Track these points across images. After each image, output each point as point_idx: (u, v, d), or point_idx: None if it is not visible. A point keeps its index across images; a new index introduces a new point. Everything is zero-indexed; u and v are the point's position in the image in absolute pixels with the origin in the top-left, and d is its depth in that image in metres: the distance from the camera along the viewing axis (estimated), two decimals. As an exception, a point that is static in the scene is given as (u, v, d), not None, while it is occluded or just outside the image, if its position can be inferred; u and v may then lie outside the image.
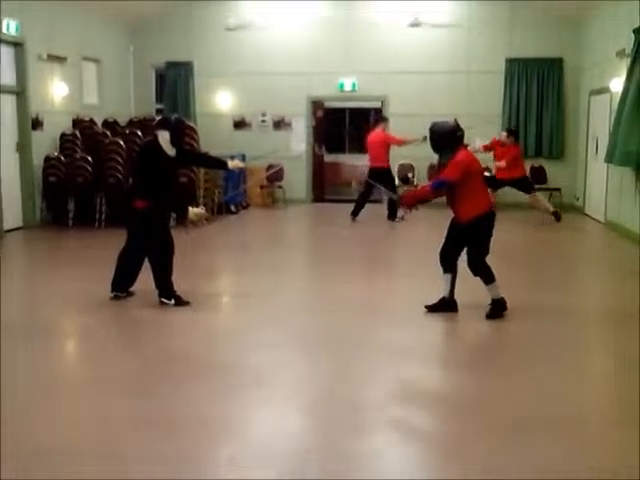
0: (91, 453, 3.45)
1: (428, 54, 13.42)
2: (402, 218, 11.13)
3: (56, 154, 11.10)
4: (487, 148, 11.44)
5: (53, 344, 5.25)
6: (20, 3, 10.22)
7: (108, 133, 11.59)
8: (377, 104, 14.30)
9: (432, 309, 5.96)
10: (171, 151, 6.05)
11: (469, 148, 6.47)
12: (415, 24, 13.39)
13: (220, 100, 14.03)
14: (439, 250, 5.94)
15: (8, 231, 10.06)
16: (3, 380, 4.34)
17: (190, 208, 6.21)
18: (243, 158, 12.97)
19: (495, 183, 11.69)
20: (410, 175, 13.40)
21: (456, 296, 5.96)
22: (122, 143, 11.05)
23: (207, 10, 13.80)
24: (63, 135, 11.43)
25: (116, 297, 6.26)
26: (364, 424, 3.85)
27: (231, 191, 12.46)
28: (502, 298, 5.80)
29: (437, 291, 6.01)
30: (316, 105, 14.35)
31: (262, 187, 13.52)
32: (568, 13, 12.66)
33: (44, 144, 11.06)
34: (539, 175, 13.04)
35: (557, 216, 11.22)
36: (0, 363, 4.62)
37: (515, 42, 13.25)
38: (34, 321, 5.79)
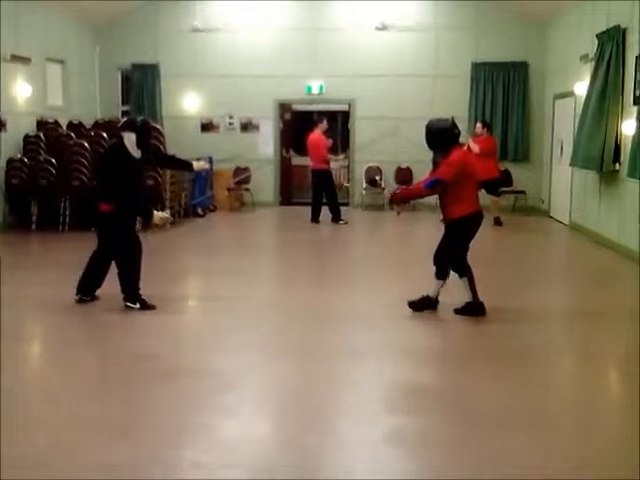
0: (53, 459, 3.37)
1: (395, 57, 13.49)
2: (398, 214, 11.17)
3: (19, 156, 10.91)
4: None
5: (16, 348, 5.13)
6: (-18, 2, 10.05)
7: (73, 135, 11.42)
8: (345, 107, 14.33)
9: (416, 307, 5.92)
10: (137, 153, 5.99)
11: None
12: (382, 27, 13.46)
13: (187, 102, 13.94)
14: (433, 253, 5.90)
15: (-31, 234, 9.86)
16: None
17: (155, 212, 6.16)
18: (210, 161, 12.96)
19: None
20: (377, 178, 13.36)
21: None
22: (87, 145, 10.89)
23: (173, 11, 13.70)
24: (27, 137, 11.24)
25: (81, 300, 6.16)
26: (335, 428, 3.85)
27: (198, 194, 12.38)
28: (436, 299, 5.90)
29: (398, 291, 6.01)
30: (284, 108, 14.34)
31: (230, 190, 13.45)
32: (533, 17, 12.85)
33: (7, 146, 10.87)
34: (505, 178, 13.15)
35: (498, 222, 11.25)
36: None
37: (481, 46, 13.39)
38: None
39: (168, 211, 6.44)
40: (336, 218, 11.63)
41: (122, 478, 3.19)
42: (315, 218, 11.70)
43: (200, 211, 12.48)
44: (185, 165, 6.83)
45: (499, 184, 11.64)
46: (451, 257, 5.83)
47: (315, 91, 13.82)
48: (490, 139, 11.47)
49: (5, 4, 10.56)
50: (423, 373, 4.74)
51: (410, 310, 5.95)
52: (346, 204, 13.38)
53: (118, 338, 5.50)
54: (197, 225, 11.72)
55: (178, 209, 11.60)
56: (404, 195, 6.27)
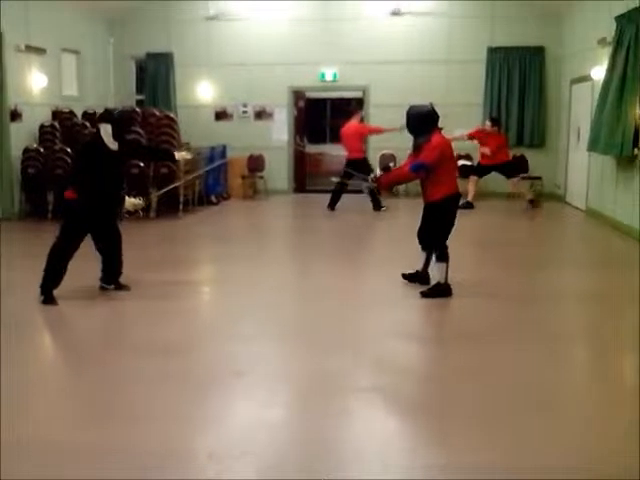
0: (68, 449, 3.40)
1: (409, 43, 13.39)
2: (385, 208, 11.22)
3: (35, 146, 10.99)
4: (471, 136, 11.55)
5: (26, 336, 5.19)
6: (-4, -7, 10.10)
7: (88, 124, 11.47)
8: (358, 94, 14.26)
9: (408, 278, 6.36)
10: (113, 145, 5.91)
11: (449, 135, 6.61)
12: (396, 13, 13.35)
13: (201, 91, 13.95)
14: (417, 231, 6.21)
15: (-14, 223, 9.97)
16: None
17: (127, 198, 6.12)
18: (224, 149, 12.99)
19: (480, 170, 11.79)
20: (392, 164, 13.24)
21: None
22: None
23: (188, 0, 13.68)
24: (42, 127, 11.32)
25: (45, 302, 5.89)
26: (350, 415, 3.84)
27: (212, 182, 12.41)
28: (447, 284, 6.00)
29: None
30: (297, 95, 14.30)
31: (243, 177, 13.47)
32: (550, 1, 12.67)
33: (23, 136, 10.95)
34: (521, 164, 13.04)
35: (533, 203, 11.32)
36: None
37: (497, 31, 13.24)
38: (5, 313, 5.72)
39: (140, 198, 6.37)
40: (377, 206, 11.53)
41: (135, 471, 3.21)
42: (332, 205, 11.63)
43: (214, 199, 12.51)
44: (166, 155, 6.81)
45: (512, 166, 11.71)
46: (442, 238, 6.02)
47: (329, 78, 13.76)
48: (499, 137, 11.54)
49: (19, -5, 10.64)
50: (447, 361, 4.72)
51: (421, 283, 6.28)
52: (360, 191, 13.32)
53: (130, 326, 5.53)
54: (211, 213, 11.75)
55: (192, 197, 11.63)
56: (390, 179, 6.53)
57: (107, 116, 6.03)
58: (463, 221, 10.96)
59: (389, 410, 3.87)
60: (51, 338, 5.54)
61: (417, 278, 6.33)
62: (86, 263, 6.22)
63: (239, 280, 6.89)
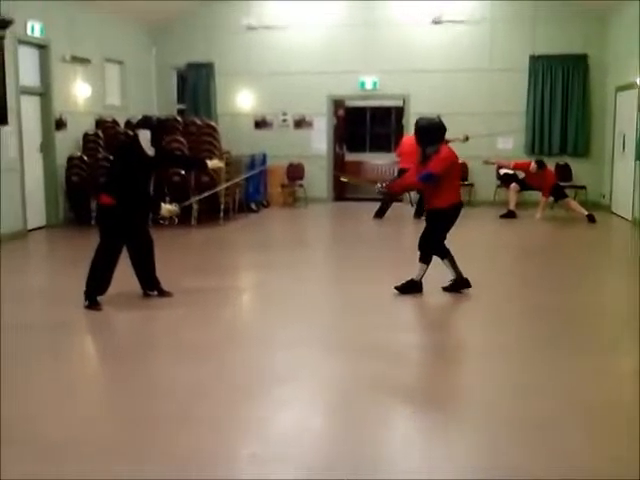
0: (112, 451, 3.41)
1: (450, 52, 13.31)
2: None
3: (79, 154, 11.17)
4: (518, 167, 11.62)
5: (71, 341, 5.24)
6: (44, 5, 10.31)
7: (130, 133, 11.60)
8: (399, 103, 14.21)
9: (449, 289, 6.40)
10: (150, 150, 5.92)
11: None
12: (437, 21, 13.28)
13: (241, 100, 14.05)
14: (418, 240, 6.37)
15: (32, 230, 10.13)
16: (18, 377, 4.33)
17: (162, 205, 6.12)
18: (264, 157, 13.05)
19: (524, 183, 11.65)
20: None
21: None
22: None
23: (228, 10, 13.81)
24: (86, 135, 11.50)
25: (90, 307, 5.90)
26: (389, 423, 3.79)
27: (252, 189, 12.46)
28: (420, 282, 6.30)
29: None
30: (337, 104, 14.31)
31: (283, 186, 13.50)
32: (592, 7, 12.49)
33: (67, 144, 11.14)
34: (564, 173, 12.87)
35: (591, 218, 11.06)
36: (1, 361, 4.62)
37: (539, 38, 13.09)
38: (52, 318, 5.79)
39: (176, 204, 6.38)
40: (419, 214, 11.51)
41: (175, 473, 3.20)
42: (380, 214, 11.58)
43: (254, 206, 12.57)
44: (198, 164, 6.76)
45: (559, 186, 11.62)
46: (432, 243, 6.26)
47: (369, 87, 13.74)
48: (550, 175, 11.55)
49: (65, 7, 10.84)
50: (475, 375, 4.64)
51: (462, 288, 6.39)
52: (399, 200, 13.28)
53: (166, 331, 5.55)
54: (251, 220, 11.80)
55: (232, 205, 11.68)
56: (400, 186, 7.13)
57: (147, 122, 6.06)
58: (504, 230, 10.87)
59: (431, 415, 3.81)
60: (93, 342, 5.58)
61: (455, 285, 6.43)
62: (131, 269, 6.26)
63: (278, 287, 6.88)
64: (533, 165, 11.50)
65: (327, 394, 4.19)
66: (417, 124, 6.29)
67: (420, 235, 6.37)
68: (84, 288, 5.92)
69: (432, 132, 6.16)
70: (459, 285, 6.39)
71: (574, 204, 11.51)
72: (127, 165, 5.88)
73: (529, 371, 4.48)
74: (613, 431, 3.59)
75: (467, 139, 10.08)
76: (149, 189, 6.11)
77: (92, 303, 5.90)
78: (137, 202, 5.92)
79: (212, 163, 6.73)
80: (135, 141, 5.97)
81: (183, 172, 10.51)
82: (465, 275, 6.40)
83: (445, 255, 6.38)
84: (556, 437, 3.46)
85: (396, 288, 6.34)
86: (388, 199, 11.44)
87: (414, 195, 11.98)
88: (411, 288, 6.31)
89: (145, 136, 5.89)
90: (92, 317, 5.80)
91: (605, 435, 3.54)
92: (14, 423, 3.64)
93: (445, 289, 6.41)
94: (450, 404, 4.02)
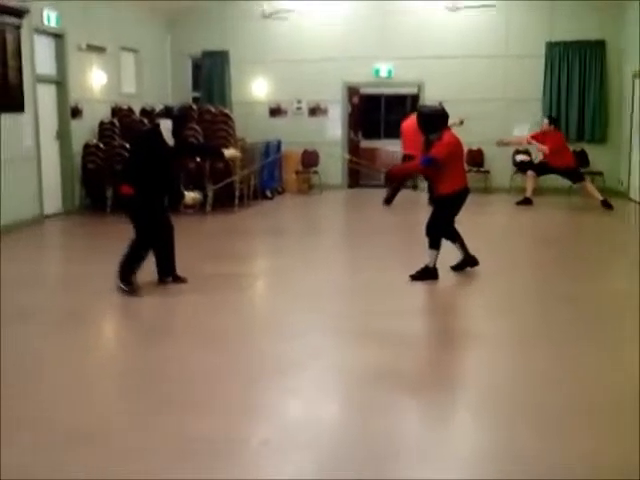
0: (125, 436, 3.44)
1: (465, 38, 13.20)
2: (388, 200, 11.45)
3: (95, 142, 11.23)
4: (532, 138, 11.42)
5: (85, 329, 5.28)
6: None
7: (145, 121, 11.66)
8: (413, 90, 14.13)
9: (455, 268, 6.50)
10: (171, 141, 5.93)
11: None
12: (453, 8, 13.17)
13: (256, 88, 14.04)
14: (425, 226, 6.35)
15: (48, 216, 10.22)
16: (30, 365, 4.40)
17: (186, 193, 6.16)
18: (279, 144, 13.05)
19: (540, 168, 11.56)
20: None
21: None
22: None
23: (242, -2, 13.80)
24: (102, 123, 11.57)
25: (125, 291, 5.99)
26: (403, 410, 3.80)
27: (267, 177, 12.48)
28: (435, 268, 6.28)
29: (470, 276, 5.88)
30: (352, 91, 14.25)
31: (297, 173, 13.51)
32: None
33: (83, 132, 11.20)
34: (581, 159, 12.76)
35: (607, 204, 10.95)
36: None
37: (555, 25, 12.95)
38: (66, 304, 5.85)
39: (199, 192, 6.42)
40: (389, 201, 11.58)
41: (188, 457, 3.21)
42: (389, 201, 11.59)
43: (269, 193, 12.59)
44: (215, 153, 6.79)
45: (577, 170, 11.47)
46: (440, 228, 6.29)
47: (383, 74, 13.67)
48: (557, 136, 11.35)
49: (81, -6, 10.90)
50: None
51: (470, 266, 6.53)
52: (415, 187, 13.25)
53: (190, 317, 5.59)
54: (266, 207, 11.82)
55: (247, 192, 11.71)
56: (401, 171, 7.34)
57: (168, 112, 6.10)
58: (521, 217, 10.82)
59: (447, 405, 3.82)
60: (108, 328, 5.64)
61: (463, 263, 6.55)
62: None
63: (293, 273, 6.90)
64: (545, 121, 11.52)
65: (339, 381, 4.20)
66: (419, 112, 6.37)
67: (427, 221, 6.37)
68: (120, 274, 5.92)
69: (435, 119, 6.20)
70: (466, 263, 6.52)
71: (591, 188, 11.37)
72: (149, 155, 5.90)
73: (542, 360, 4.47)
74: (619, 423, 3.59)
75: (462, 123, 9.98)
76: (170, 178, 6.12)
77: (130, 287, 5.91)
78: (157, 191, 5.95)
79: (229, 152, 6.76)
80: (157, 131, 5.97)
81: (198, 159, 10.55)
82: (477, 258, 6.50)
83: (455, 239, 6.47)
84: (572, 427, 3.47)
85: (411, 277, 6.30)
86: (395, 185, 11.44)
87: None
88: (426, 275, 6.29)
89: (167, 126, 5.90)
90: (108, 303, 5.86)
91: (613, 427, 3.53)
92: (30, 410, 3.69)
93: (453, 268, 6.55)
94: (465, 391, 4.02)
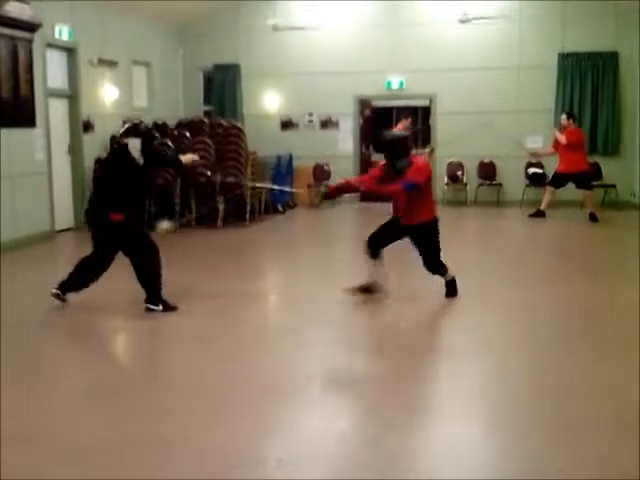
0: (138, 449, 3.42)
1: (477, 50, 13.17)
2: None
3: (106, 156, 11.24)
4: (555, 148, 11.26)
5: (88, 345, 5.27)
6: (72, 8, 10.41)
7: (157, 135, 11.65)
8: (425, 102, 14.11)
9: (361, 291, 6.14)
10: (141, 160, 5.70)
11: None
12: (464, 20, 13.16)
13: (267, 101, 14.06)
14: (368, 237, 6.17)
15: (59, 231, 10.24)
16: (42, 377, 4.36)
17: (158, 224, 6.05)
18: (290, 158, 13.03)
19: (557, 181, 11.38)
20: (459, 173, 13.18)
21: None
22: (171, 144, 11.05)
23: (254, 11, 13.81)
24: (113, 137, 11.55)
25: (57, 296, 5.94)
26: (419, 427, 3.73)
27: (278, 191, 12.44)
28: (453, 280, 6.21)
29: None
30: (363, 104, 14.24)
31: (309, 186, 13.46)
32: (622, 4, 12.27)
33: (95, 146, 11.22)
34: (594, 172, 12.64)
35: (593, 218, 10.84)
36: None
37: (568, 36, 12.91)
38: (70, 321, 5.83)
39: (169, 221, 6.16)
40: None
41: (203, 473, 3.18)
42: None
43: (280, 207, 12.56)
44: (173, 162, 6.29)
45: (589, 177, 11.27)
46: (439, 255, 6.09)
47: (395, 87, 13.66)
48: (577, 131, 11.19)
49: (92, 11, 10.94)
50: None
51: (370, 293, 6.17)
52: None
53: (203, 330, 5.55)
54: (277, 221, 11.80)
55: (258, 206, 11.69)
56: (378, 192, 6.27)
57: (135, 131, 5.78)
58: (536, 230, 10.72)
59: (468, 420, 3.75)
60: (119, 341, 5.60)
61: (366, 288, 6.14)
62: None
63: (305, 288, 6.85)
64: (563, 116, 11.35)
65: (356, 395, 4.15)
66: (382, 139, 6.23)
67: (422, 260, 6.11)
68: (149, 297, 5.78)
69: (398, 145, 5.98)
70: (369, 289, 6.12)
71: (590, 199, 11.19)
72: (126, 177, 5.68)
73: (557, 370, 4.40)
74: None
75: (432, 151, 9.87)
76: (145, 200, 5.93)
77: (165, 305, 5.80)
78: (140, 213, 5.84)
79: (185, 157, 6.39)
80: (125, 151, 5.71)
81: (209, 173, 10.41)
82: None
83: (377, 257, 6.15)
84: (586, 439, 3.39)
85: (446, 294, 6.23)
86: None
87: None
88: (450, 291, 6.24)
89: (135, 145, 5.65)
90: (119, 318, 5.83)
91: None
92: (38, 423, 3.67)
93: (355, 289, 6.13)
94: (477, 403, 3.95)
